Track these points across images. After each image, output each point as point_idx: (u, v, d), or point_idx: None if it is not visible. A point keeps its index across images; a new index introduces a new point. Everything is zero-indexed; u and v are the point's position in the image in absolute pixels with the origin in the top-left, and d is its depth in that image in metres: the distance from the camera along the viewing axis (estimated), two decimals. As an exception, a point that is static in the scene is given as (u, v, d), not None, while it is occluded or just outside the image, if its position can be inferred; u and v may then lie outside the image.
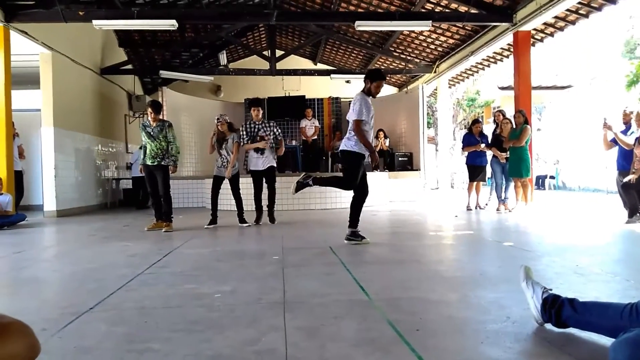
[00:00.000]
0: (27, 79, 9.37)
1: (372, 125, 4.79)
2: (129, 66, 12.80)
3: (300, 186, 4.75)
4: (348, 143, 4.73)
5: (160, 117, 6.43)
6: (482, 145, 8.43)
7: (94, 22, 8.21)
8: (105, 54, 11.81)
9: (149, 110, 6.30)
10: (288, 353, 1.89)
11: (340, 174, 5.12)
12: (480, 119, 10.70)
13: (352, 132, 4.69)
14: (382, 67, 15.45)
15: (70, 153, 9.81)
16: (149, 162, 6.31)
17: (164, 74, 12.31)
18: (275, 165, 6.74)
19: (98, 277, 3.47)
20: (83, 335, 2.19)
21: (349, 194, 4.81)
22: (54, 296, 3.11)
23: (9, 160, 7.88)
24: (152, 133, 6.28)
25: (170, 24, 8.39)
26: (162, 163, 6.28)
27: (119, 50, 12.81)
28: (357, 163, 4.70)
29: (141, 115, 14.46)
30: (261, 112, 6.63)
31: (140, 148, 6.60)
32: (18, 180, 8.41)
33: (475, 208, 8.54)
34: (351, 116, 4.70)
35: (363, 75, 4.98)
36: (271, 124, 6.64)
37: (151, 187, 6.45)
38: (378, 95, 4.92)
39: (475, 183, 8.67)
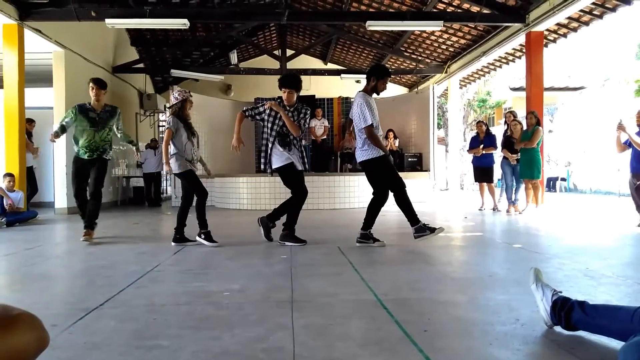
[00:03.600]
0: (40, 77, 9.47)
1: (379, 124, 4.66)
2: (141, 65, 12.90)
3: (365, 238, 4.62)
4: (365, 153, 4.57)
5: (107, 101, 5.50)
6: (480, 147, 8.47)
7: (107, 20, 8.29)
8: (117, 53, 11.90)
9: (90, 86, 5.17)
10: (296, 351, 1.89)
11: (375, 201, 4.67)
12: (483, 120, 10.67)
13: (363, 138, 4.54)
14: (393, 67, 15.42)
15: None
16: (85, 157, 5.22)
17: (175, 72, 12.38)
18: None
19: (108, 274, 3.50)
20: (93, 331, 2.21)
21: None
22: (64, 292, 3.14)
23: (22, 157, 7.98)
24: (97, 119, 5.19)
25: (181, 23, 8.44)
26: (104, 156, 5.31)
27: (130, 48, 12.90)
28: (386, 165, 4.57)
29: (152, 114, 14.55)
30: (295, 95, 4.82)
31: (77, 143, 5.27)
32: (29, 176, 8.51)
33: (493, 210, 8.46)
34: (359, 124, 4.52)
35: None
36: (303, 111, 4.86)
37: (80, 185, 5.29)
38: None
39: (486, 184, 8.63)
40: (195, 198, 4.95)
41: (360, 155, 4.63)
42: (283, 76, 4.87)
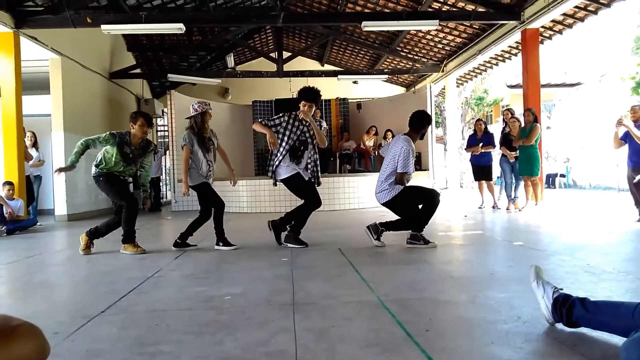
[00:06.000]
0: (37, 84, 9.47)
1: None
2: (138, 70, 12.90)
3: (374, 231, 4.67)
4: (386, 194, 4.58)
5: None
6: (480, 146, 8.43)
7: (103, 27, 8.28)
8: (113, 59, 11.90)
9: (140, 123, 4.62)
10: (298, 354, 1.90)
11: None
12: (481, 118, 10.70)
13: (390, 179, 4.55)
14: (390, 67, 15.43)
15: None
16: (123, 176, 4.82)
17: (172, 77, 12.38)
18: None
19: (109, 281, 3.50)
20: (95, 338, 2.21)
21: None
22: (65, 300, 3.13)
23: (21, 165, 7.96)
24: (130, 156, 4.69)
25: (177, 28, 8.43)
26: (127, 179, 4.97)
27: (127, 54, 12.90)
28: (409, 193, 4.59)
29: (150, 119, 14.50)
30: (313, 109, 4.78)
31: (104, 165, 4.66)
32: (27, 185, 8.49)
33: (493, 208, 8.45)
34: (395, 167, 4.53)
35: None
36: (318, 124, 4.90)
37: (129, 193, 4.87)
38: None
39: (486, 182, 8.63)
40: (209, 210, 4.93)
41: (382, 197, 4.64)
42: (304, 90, 4.80)
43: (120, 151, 4.60)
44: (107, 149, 4.65)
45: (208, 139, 4.90)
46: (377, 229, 4.66)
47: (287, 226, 4.93)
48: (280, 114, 4.81)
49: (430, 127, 4.81)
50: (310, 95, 4.73)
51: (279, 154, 4.73)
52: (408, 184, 4.62)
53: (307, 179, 4.80)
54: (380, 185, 4.65)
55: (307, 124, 4.78)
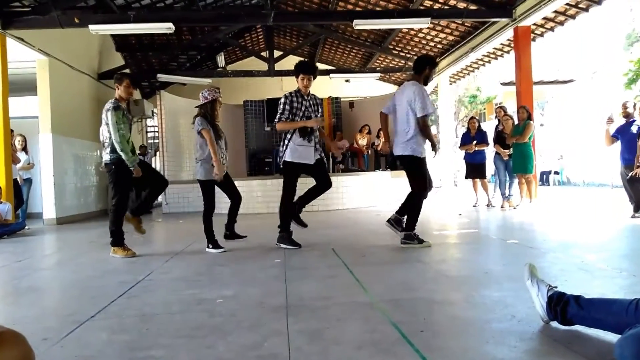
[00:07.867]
0: (24, 86, 9.35)
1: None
2: (127, 70, 12.79)
3: (396, 223, 4.60)
4: (409, 147, 4.38)
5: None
6: (474, 144, 8.44)
7: (91, 27, 8.19)
8: (102, 59, 11.80)
9: (125, 84, 4.67)
10: (291, 357, 1.87)
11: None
12: (475, 116, 10.71)
13: (411, 131, 4.37)
14: (382, 66, 15.44)
15: (69, 159, 9.79)
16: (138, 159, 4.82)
17: (162, 77, 12.29)
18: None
19: (99, 285, 3.45)
20: (84, 344, 2.17)
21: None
22: (55, 305, 3.09)
23: (8, 168, 7.85)
24: (127, 114, 4.74)
25: (167, 27, 8.36)
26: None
27: (116, 54, 12.79)
28: (424, 166, 4.53)
29: (140, 120, 14.43)
30: (312, 82, 4.68)
31: (126, 152, 4.58)
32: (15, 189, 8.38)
33: (487, 206, 8.45)
34: (415, 112, 4.32)
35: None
36: (319, 101, 4.85)
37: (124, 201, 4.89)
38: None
39: (480, 181, 8.62)
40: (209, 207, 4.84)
41: (403, 149, 4.45)
42: (300, 63, 4.71)
43: (124, 117, 4.62)
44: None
45: (219, 127, 4.83)
46: (399, 221, 4.57)
47: (302, 208, 4.85)
48: (282, 100, 4.63)
49: (433, 69, 4.65)
50: (308, 67, 4.65)
51: (287, 134, 4.63)
52: (424, 158, 4.49)
53: (315, 160, 4.67)
54: (397, 138, 4.51)
55: (309, 99, 4.68)
